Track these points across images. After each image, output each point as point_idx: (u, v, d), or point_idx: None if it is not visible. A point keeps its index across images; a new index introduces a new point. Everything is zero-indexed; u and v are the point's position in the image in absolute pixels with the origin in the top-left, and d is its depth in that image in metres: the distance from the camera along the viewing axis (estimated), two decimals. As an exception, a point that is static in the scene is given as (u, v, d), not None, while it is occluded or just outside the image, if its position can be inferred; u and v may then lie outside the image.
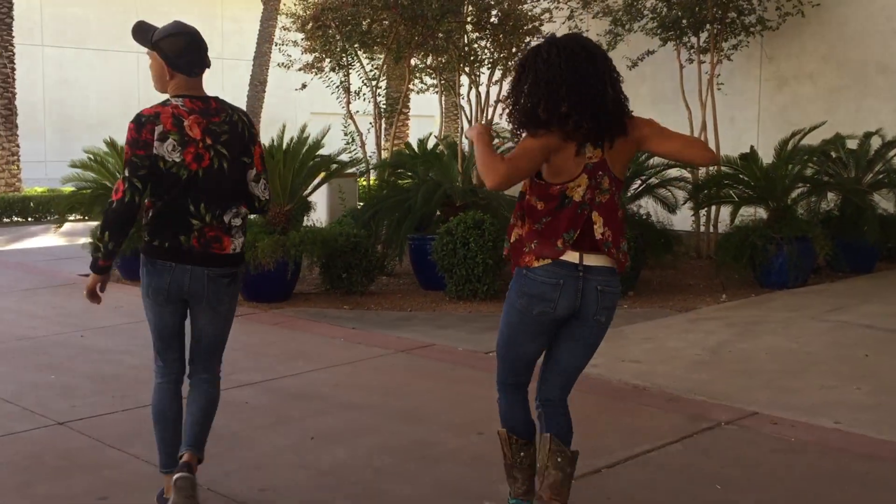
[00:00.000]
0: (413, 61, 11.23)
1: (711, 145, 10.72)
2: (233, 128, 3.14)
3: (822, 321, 6.73)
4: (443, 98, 11.50)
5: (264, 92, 17.61)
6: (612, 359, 5.69)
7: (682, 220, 9.60)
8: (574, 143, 2.78)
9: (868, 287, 8.32)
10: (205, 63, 3.17)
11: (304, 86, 9.27)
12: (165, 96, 3.21)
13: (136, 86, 22.47)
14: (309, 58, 9.78)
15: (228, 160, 3.11)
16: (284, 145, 7.82)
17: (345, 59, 9.69)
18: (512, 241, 2.91)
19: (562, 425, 3.03)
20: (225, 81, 19.24)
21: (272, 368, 5.42)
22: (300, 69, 9.54)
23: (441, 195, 8.39)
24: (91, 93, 23.23)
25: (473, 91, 11.40)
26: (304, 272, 8.65)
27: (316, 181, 8.35)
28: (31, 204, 15.08)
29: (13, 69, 16.13)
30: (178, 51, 3.09)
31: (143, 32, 3.16)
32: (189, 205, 3.06)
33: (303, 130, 7.84)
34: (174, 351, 3.27)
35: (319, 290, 8.21)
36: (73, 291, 8.09)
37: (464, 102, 11.17)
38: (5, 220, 15.21)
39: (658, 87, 12.58)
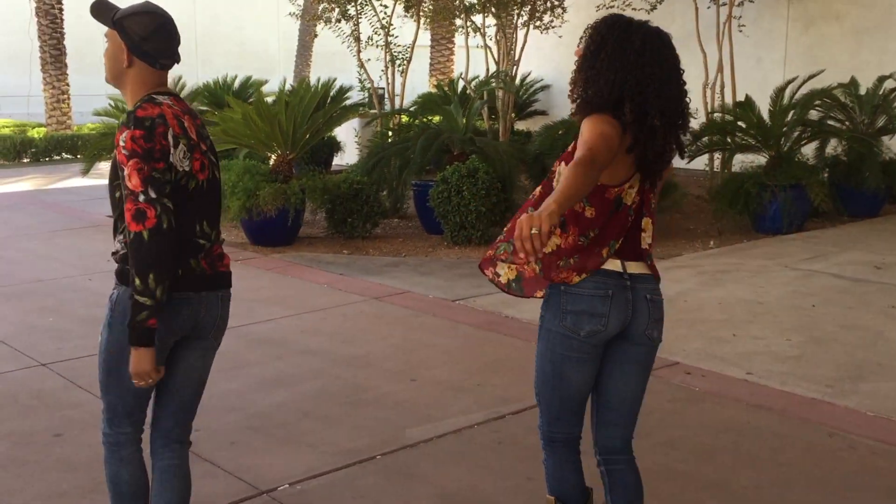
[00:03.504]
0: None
1: (728, 87, 10.65)
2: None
3: (794, 269, 6.88)
4: (468, 39, 11.61)
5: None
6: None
7: (699, 161, 9.60)
8: (630, 135, 2.34)
9: (859, 234, 8.36)
10: (174, 56, 2.58)
11: (315, 35, 9.54)
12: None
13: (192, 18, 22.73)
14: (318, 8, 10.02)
15: (216, 167, 2.69)
16: (286, 98, 8.17)
17: (351, 8, 9.89)
18: (547, 251, 2.40)
19: (629, 485, 2.56)
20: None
21: (250, 314, 5.86)
22: (309, 20, 9.78)
23: (440, 144, 8.66)
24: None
25: (501, 34, 11.49)
26: (313, 216, 9.11)
27: (316, 130, 8.69)
28: (79, 143, 15.85)
29: (61, 9, 16.72)
30: (144, 33, 2.50)
31: (103, 10, 2.57)
32: (195, 222, 2.54)
33: (301, 82, 8.17)
34: (144, 409, 2.67)
35: (325, 235, 8.65)
36: (96, 233, 8.71)
37: (492, 44, 11.24)
38: (55, 157, 16.10)
39: (687, 27, 12.43)
